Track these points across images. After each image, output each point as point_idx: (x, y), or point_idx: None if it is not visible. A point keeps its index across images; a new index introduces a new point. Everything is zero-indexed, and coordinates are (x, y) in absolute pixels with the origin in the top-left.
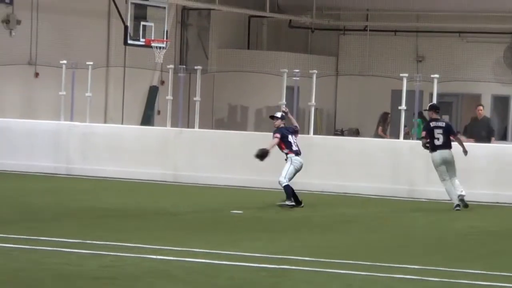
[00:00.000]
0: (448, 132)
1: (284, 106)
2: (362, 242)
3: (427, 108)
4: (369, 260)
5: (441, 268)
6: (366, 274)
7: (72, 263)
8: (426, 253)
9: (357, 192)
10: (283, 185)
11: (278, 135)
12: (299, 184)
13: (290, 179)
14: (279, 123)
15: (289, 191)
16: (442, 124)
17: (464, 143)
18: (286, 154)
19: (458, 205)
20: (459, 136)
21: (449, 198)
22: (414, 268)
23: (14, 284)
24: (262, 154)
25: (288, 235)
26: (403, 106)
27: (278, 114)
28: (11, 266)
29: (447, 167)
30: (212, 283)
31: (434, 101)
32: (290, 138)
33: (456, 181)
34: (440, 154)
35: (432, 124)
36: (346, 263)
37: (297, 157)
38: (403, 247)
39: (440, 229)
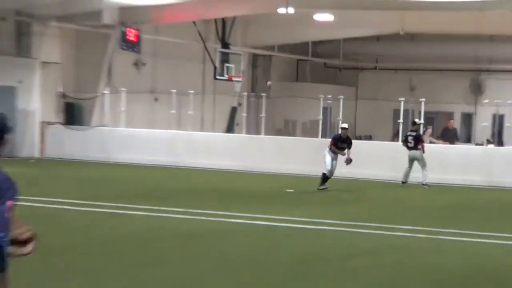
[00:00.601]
0: (417, 139)
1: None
2: (375, 210)
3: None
4: (377, 222)
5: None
6: (377, 233)
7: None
8: (415, 217)
9: (369, 178)
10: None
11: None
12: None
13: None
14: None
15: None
16: (414, 133)
17: (440, 144)
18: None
19: (404, 182)
20: (436, 139)
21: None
22: (407, 228)
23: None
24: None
25: (323, 206)
26: (401, 120)
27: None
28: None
29: (417, 162)
30: (269, 237)
31: (422, 117)
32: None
33: (424, 172)
34: (410, 153)
35: (408, 133)
36: (364, 225)
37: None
38: (399, 213)
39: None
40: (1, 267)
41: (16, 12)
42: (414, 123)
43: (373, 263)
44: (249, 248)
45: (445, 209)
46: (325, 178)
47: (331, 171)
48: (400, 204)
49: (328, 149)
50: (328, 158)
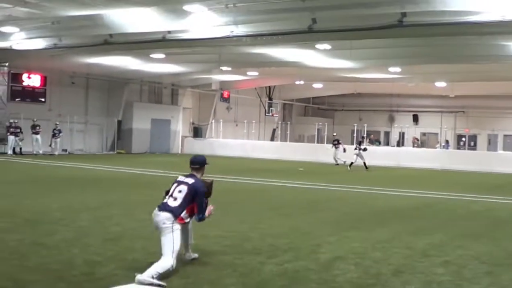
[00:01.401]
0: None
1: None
2: (342, 178)
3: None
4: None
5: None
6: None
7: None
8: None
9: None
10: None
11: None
12: (322, 160)
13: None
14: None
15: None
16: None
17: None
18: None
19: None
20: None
21: None
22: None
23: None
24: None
25: (320, 176)
26: (354, 135)
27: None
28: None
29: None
30: (292, 191)
31: (365, 134)
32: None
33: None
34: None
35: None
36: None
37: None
38: (359, 180)
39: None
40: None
41: (172, 84)
42: (362, 140)
43: (340, 203)
44: (282, 197)
45: (376, 178)
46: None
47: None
48: (354, 175)
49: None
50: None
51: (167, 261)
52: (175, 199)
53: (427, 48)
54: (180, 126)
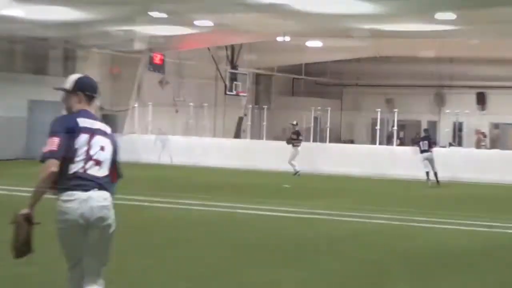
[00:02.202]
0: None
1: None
2: (357, 201)
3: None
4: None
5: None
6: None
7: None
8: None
9: (351, 174)
10: None
11: None
12: (320, 170)
13: None
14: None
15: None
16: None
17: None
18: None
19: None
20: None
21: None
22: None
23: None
24: None
25: (314, 198)
26: (378, 127)
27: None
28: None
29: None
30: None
31: (395, 125)
32: None
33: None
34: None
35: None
36: (350, 214)
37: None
38: (381, 201)
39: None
40: None
41: (65, 41)
42: (426, 130)
43: (355, 245)
44: (256, 235)
45: (415, 200)
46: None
47: None
48: (377, 195)
49: None
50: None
51: None
52: (99, 163)
53: None
54: None
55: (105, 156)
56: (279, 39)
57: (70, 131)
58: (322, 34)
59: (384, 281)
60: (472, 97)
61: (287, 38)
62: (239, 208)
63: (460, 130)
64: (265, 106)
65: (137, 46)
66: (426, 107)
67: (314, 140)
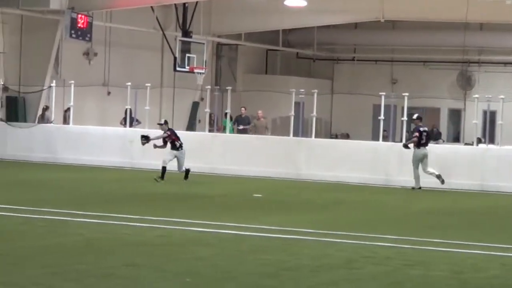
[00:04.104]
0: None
1: None
2: (349, 217)
3: (415, 118)
4: (355, 231)
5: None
6: (354, 242)
7: (134, 233)
8: (396, 225)
9: (346, 181)
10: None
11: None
12: (304, 175)
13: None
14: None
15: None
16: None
17: None
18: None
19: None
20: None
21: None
22: (390, 237)
23: (91, 249)
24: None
25: (294, 212)
26: (381, 117)
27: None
28: (88, 236)
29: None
30: (236, 248)
31: (405, 113)
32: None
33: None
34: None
35: (421, 129)
36: (339, 234)
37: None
38: (380, 220)
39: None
40: None
41: None
42: (420, 118)
43: (349, 276)
44: (215, 259)
45: (429, 215)
46: None
47: None
48: (379, 210)
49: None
50: None
51: None
52: None
53: None
54: None
55: None
56: None
57: None
58: None
59: None
60: (509, 77)
61: None
62: (193, 227)
63: (493, 121)
64: (229, 88)
65: (54, 3)
66: (447, 91)
67: (295, 134)
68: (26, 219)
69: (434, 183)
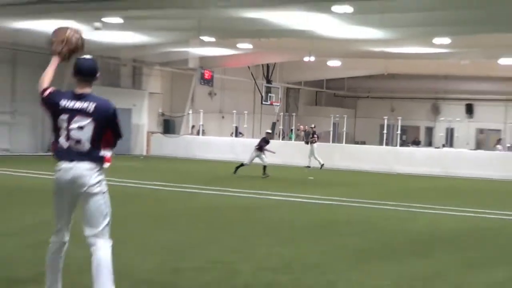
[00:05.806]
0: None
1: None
2: (368, 191)
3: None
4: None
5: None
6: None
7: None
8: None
9: (363, 169)
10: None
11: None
12: (337, 165)
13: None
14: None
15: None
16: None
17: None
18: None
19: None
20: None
21: None
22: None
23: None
24: None
25: (332, 187)
26: (385, 131)
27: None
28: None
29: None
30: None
31: (399, 129)
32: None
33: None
34: None
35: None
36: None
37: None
38: (384, 193)
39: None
40: None
41: (133, 60)
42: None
43: (366, 227)
44: (284, 217)
45: (415, 191)
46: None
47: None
48: (384, 187)
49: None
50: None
51: (109, 250)
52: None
53: (487, 10)
54: (145, 118)
55: (83, 135)
56: (306, 59)
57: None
58: (341, 55)
59: (392, 254)
60: (462, 108)
61: (312, 58)
62: (271, 196)
63: (452, 134)
64: (294, 114)
65: (192, 64)
66: (424, 115)
67: (333, 142)
68: (175, 192)
69: (419, 171)
